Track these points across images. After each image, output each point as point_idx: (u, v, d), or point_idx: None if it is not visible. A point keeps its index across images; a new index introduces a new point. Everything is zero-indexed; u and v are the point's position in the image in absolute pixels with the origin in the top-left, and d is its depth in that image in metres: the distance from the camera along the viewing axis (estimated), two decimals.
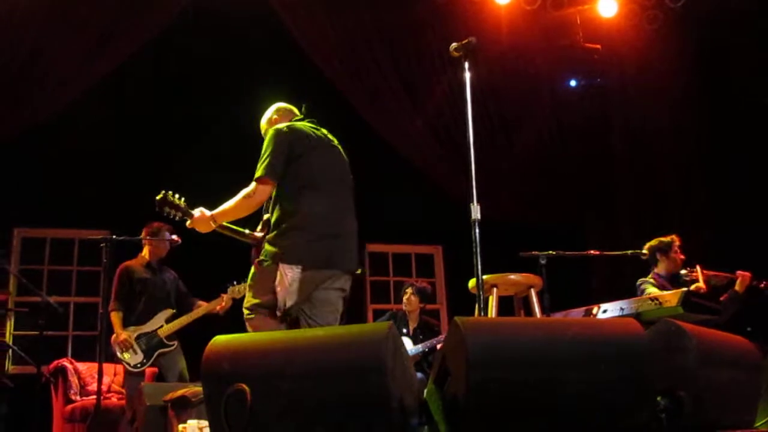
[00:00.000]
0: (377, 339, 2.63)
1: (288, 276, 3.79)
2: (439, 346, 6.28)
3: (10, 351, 6.88)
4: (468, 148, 3.94)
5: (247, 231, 4.17)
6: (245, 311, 3.94)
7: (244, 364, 2.74)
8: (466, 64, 4.14)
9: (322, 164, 4.06)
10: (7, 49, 7.06)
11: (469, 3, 7.98)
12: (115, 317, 6.16)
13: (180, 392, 4.73)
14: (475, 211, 3.89)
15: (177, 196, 4.07)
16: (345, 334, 2.75)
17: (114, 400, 6.52)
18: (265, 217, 4.09)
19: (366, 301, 8.95)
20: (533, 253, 5.56)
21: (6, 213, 7.67)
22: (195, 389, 5.07)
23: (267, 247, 3.90)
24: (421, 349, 6.39)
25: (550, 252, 5.58)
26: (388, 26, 8.10)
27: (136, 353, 6.11)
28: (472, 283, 4.89)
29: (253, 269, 4.00)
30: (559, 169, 8.77)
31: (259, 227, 4.18)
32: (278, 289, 3.79)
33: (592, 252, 6.30)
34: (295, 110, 4.40)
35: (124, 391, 6.36)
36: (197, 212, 4.02)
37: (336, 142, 4.28)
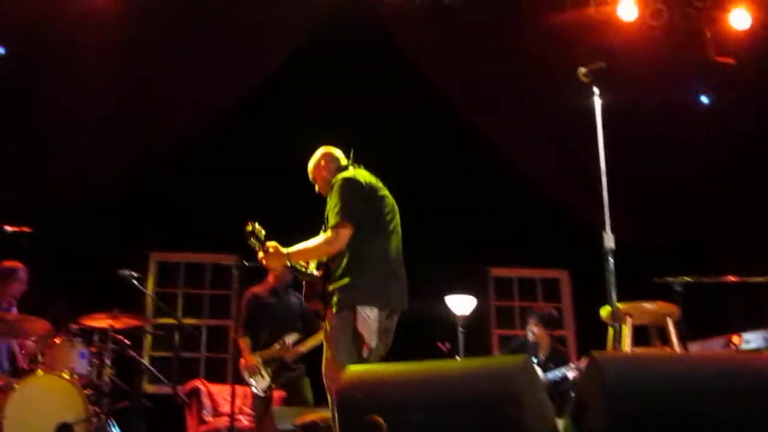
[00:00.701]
0: (514, 371, 2.59)
1: (370, 317, 3.92)
2: (569, 375, 6.11)
3: (148, 371, 7.14)
4: (600, 175, 3.85)
5: (308, 271, 4.30)
6: (327, 368, 4.00)
7: (378, 395, 2.75)
8: (596, 89, 4.06)
9: (385, 211, 4.25)
10: (137, 80, 7.54)
11: (594, 22, 7.81)
12: (243, 343, 6.30)
13: (310, 417, 4.79)
14: (609, 240, 3.77)
15: (260, 227, 4.25)
16: (481, 366, 2.72)
17: (245, 422, 6.66)
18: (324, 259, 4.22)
19: (490, 326, 8.85)
20: (668, 279, 5.34)
21: (142, 238, 8.04)
22: (324, 415, 5.12)
23: (339, 294, 4.03)
24: (551, 378, 6.23)
25: (686, 279, 5.35)
26: (512, 49, 8.03)
27: (263, 377, 6.22)
28: (604, 311, 4.73)
29: (327, 321, 4.08)
30: (690, 189, 8.43)
31: (314, 266, 4.30)
32: (363, 331, 3.89)
33: (729, 278, 5.97)
34: (341, 156, 4.56)
35: (253, 413, 6.49)
36: (272, 247, 4.17)
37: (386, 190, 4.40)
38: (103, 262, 6.65)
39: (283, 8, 7.59)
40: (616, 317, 3.74)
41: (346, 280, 4.02)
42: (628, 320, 5.06)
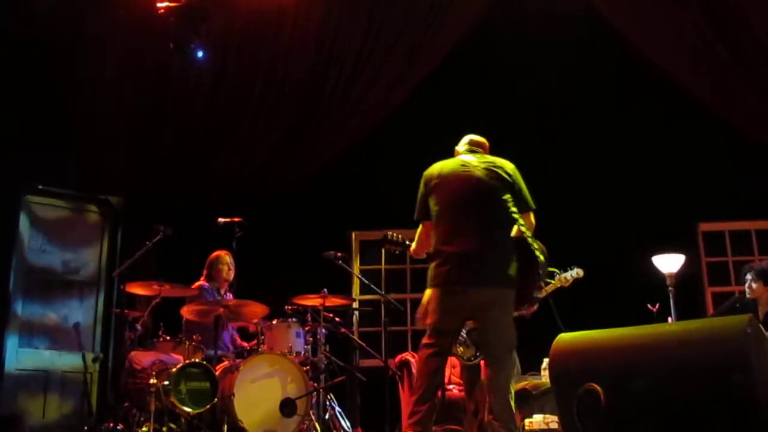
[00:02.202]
0: (738, 333, 2.43)
1: (425, 297, 4.40)
2: None
3: (359, 346, 7.40)
4: None
5: None
6: None
7: (593, 363, 2.68)
8: None
9: (446, 196, 4.45)
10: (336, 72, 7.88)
11: None
12: None
13: (521, 385, 4.79)
14: None
15: (394, 234, 4.82)
16: (702, 329, 2.57)
17: (455, 391, 6.75)
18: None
19: (703, 284, 8.39)
20: None
21: (344, 219, 8.34)
22: (535, 382, 5.10)
23: None
24: None
25: None
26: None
27: (468, 347, 6.25)
28: None
29: None
30: None
31: None
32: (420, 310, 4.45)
33: None
34: (460, 144, 4.82)
35: (462, 382, 6.56)
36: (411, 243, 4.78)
37: (481, 165, 4.49)
38: (309, 245, 6.97)
39: None
40: None
41: None
42: None
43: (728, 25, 7.44)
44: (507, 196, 4.39)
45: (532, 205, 4.46)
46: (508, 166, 4.55)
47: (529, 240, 4.28)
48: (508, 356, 4.30)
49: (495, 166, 4.51)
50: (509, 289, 4.25)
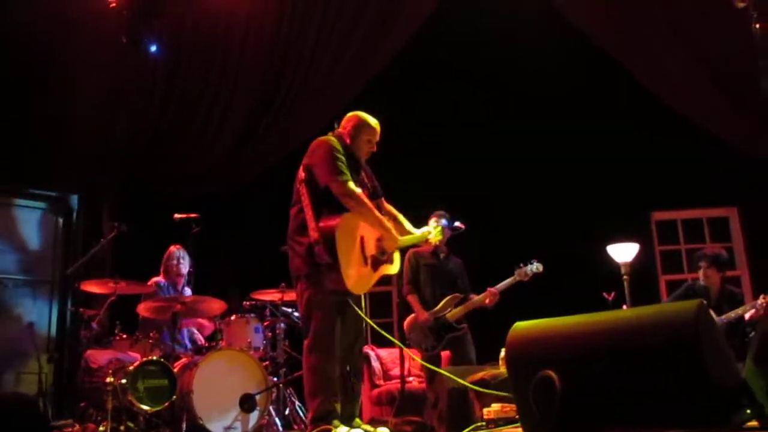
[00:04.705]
0: (689, 318, 2.48)
1: None
2: (746, 316, 5.83)
3: None
4: None
5: None
6: None
7: (548, 350, 2.72)
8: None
9: None
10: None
11: None
12: (413, 299, 6.35)
13: (479, 375, 4.81)
14: None
15: None
16: (654, 314, 2.62)
17: (415, 383, 6.79)
18: None
19: (657, 272, 8.53)
20: None
21: None
22: (493, 372, 5.12)
23: None
24: (725, 321, 5.97)
25: None
26: None
27: (426, 336, 6.30)
28: None
29: None
30: None
31: None
32: None
33: None
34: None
35: (423, 374, 6.59)
36: None
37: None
38: (267, 239, 6.92)
39: None
40: None
41: None
42: None
43: (685, 18, 7.57)
44: (303, 179, 4.33)
45: (325, 180, 4.20)
46: (315, 143, 4.40)
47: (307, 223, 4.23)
48: (311, 343, 4.20)
49: (308, 151, 4.40)
50: (299, 281, 4.35)
